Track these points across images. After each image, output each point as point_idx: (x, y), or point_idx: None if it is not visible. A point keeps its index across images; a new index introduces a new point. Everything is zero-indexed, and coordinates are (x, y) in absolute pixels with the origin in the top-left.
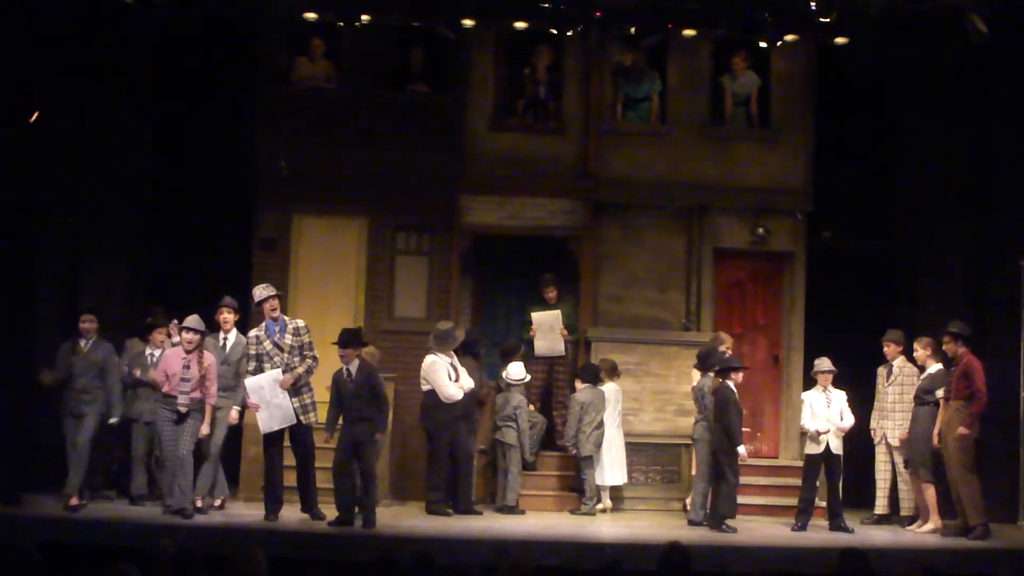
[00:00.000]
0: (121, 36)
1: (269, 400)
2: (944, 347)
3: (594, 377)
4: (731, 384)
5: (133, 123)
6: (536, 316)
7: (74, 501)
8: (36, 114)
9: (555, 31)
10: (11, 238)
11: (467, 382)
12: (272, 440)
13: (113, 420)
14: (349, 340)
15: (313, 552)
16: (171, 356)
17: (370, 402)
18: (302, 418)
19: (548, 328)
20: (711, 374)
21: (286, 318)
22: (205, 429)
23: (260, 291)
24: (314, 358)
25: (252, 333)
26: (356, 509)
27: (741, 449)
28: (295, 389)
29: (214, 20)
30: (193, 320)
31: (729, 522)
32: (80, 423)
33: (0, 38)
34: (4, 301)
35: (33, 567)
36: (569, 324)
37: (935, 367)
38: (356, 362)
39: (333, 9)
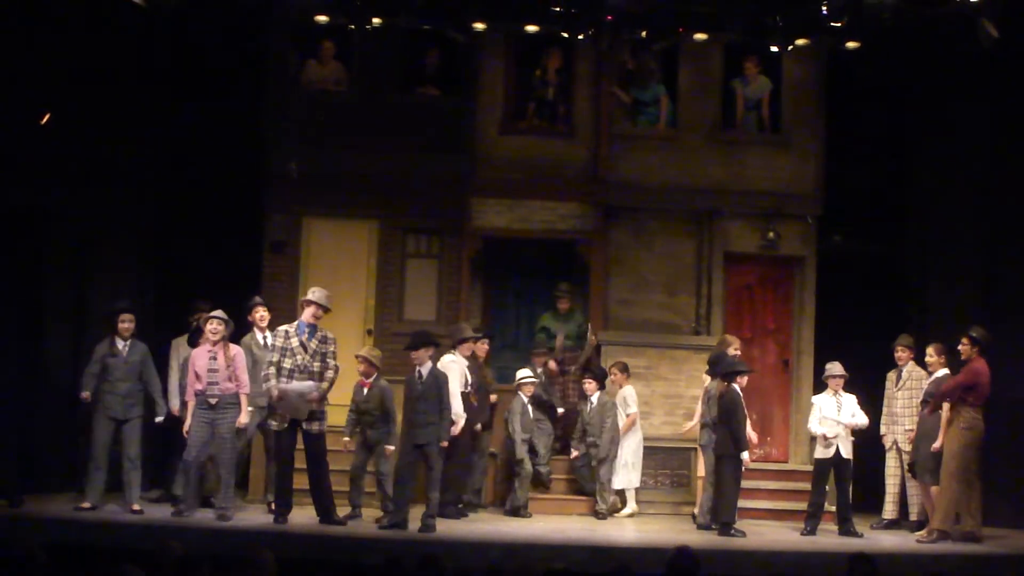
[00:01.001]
0: (131, 39)
1: (290, 405)
2: (960, 347)
3: (605, 379)
4: (737, 388)
5: (142, 125)
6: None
7: (136, 507)
8: (46, 116)
9: (566, 35)
10: (20, 241)
11: (458, 405)
12: (283, 443)
13: (159, 419)
14: (420, 342)
15: (322, 554)
16: (197, 353)
17: (435, 406)
18: (309, 425)
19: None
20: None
21: (318, 326)
22: (244, 419)
23: (319, 294)
24: (335, 368)
25: (283, 327)
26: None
27: (744, 455)
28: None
29: (224, 22)
30: (219, 312)
31: (736, 526)
32: (124, 430)
33: (10, 41)
34: (12, 304)
35: (39, 568)
36: (581, 331)
37: (942, 372)
38: (428, 365)
39: (344, 12)
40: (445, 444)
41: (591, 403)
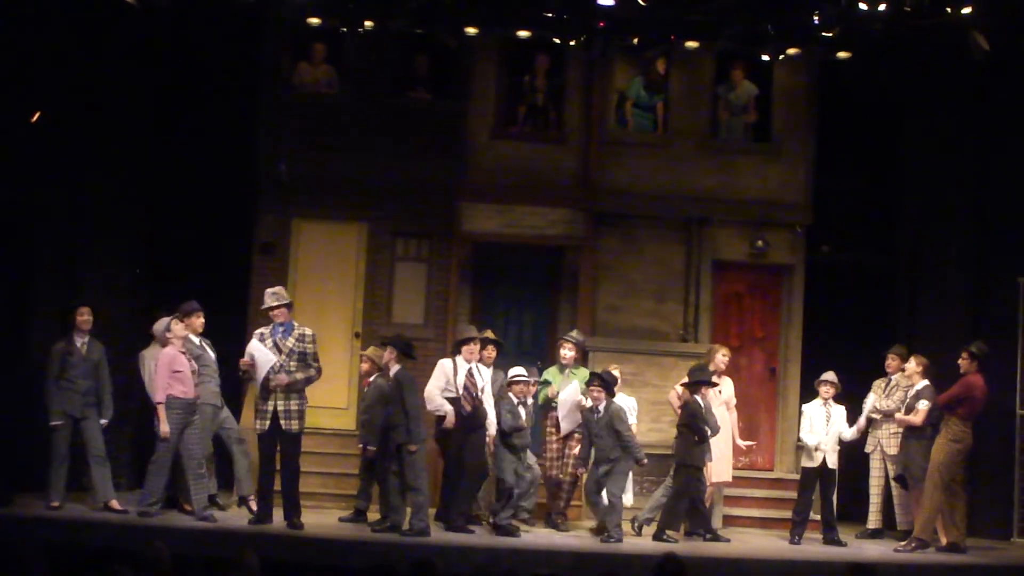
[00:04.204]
0: (123, 38)
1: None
2: (959, 361)
3: (615, 386)
4: (699, 399)
5: (133, 125)
6: (562, 396)
7: (118, 505)
8: (37, 115)
9: (558, 41)
10: (10, 241)
11: (439, 402)
12: (265, 445)
13: (104, 421)
14: (390, 342)
15: (307, 557)
16: (176, 357)
17: (401, 409)
18: (288, 424)
19: (574, 404)
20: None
21: (295, 323)
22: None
23: (269, 299)
24: (318, 370)
25: (259, 330)
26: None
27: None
28: (286, 394)
29: (217, 23)
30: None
31: (722, 532)
32: (85, 428)
33: (3, 39)
34: (2, 303)
35: (37, 569)
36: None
37: (922, 383)
38: (394, 368)
39: (337, 15)
40: (413, 448)
41: (598, 413)
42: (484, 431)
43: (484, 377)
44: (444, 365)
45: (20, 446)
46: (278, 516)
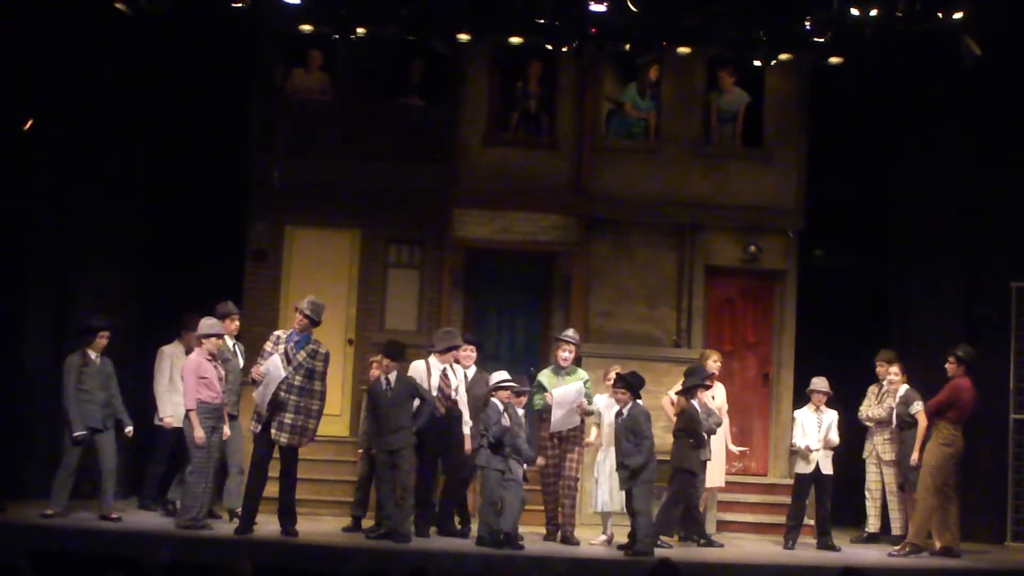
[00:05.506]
0: (116, 44)
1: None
2: (946, 366)
3: (640, 388)
4: (695, 404)
5: (126, 132)
6: (557, 393)
7: (114, 515)
8: (29, 122)
9: (550, 47)
10: (2, 248)
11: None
12: (256, 450)
13: (130, 429)
14: (394, 353)
15: (302, 564)
16: (202, 364)
17: (406, 411)
18: (278, 435)
19: (569, 403)
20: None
21: (311, 337)
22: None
23: (304, 303)
24: (321, 395)
25: (278, 332)
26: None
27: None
28: (295, 406)
29: (211, 29)
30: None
31: (716, 537)
32: (100, 440)
33: None
34: None
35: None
36: (587, 394)
37: (903, 388)
38: (395, 373)
39: (329, 21)
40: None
41: (622, 416)
42: (460, 431)
43: (458, 377)
44: (417, 367)
45: (15, 453)
46: (265, 523)
